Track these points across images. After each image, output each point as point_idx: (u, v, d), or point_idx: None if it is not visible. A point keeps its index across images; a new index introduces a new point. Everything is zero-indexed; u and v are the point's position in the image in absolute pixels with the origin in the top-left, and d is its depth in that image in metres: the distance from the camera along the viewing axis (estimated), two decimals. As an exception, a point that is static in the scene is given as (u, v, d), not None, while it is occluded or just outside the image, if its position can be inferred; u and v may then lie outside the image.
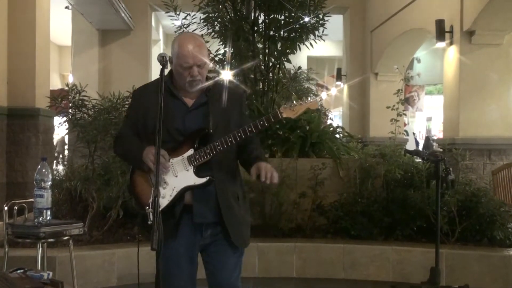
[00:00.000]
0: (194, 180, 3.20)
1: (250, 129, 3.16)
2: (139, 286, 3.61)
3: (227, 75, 8.01)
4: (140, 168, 3.27)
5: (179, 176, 3.21)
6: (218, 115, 3.28)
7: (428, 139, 18.69)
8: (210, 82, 3.34)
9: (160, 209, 2.99)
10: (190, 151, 3.21)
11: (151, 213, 2.86)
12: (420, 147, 18.83)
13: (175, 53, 3.24)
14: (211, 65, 3.56)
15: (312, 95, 17.55)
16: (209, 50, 4.70)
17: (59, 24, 14.67)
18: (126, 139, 3.39)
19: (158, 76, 3.12)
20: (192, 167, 3.20)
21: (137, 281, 3.69)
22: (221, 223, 3.27)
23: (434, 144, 17.15)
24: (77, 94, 6.95)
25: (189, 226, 3.28)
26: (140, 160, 3.21)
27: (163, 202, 3.15)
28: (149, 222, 2.84)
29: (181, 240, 3.29)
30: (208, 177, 3.20)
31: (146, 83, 3.55)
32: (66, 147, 14.47)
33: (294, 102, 3.27)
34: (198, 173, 3.21)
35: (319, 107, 15.70)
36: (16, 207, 4.99)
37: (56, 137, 13.20)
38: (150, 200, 2.90)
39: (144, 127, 3.28)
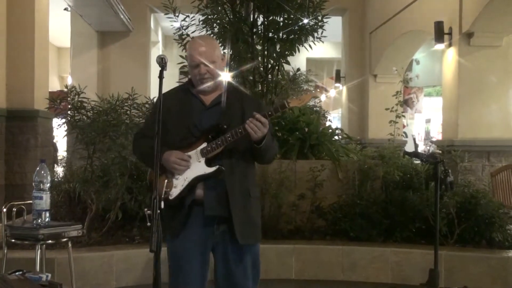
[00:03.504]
0: (204, 169, 3.32)
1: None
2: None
3: (226, 77, 7.99)
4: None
5: (192, 167, 3.34)
6: (233, 113, 3.42)
7: (414, 140, 18.67)
8: (225, 84, 3.53)
9: (171, 198, 3.27)
10: (204, 144, 3.34)
11: (149, 214, 2.90)
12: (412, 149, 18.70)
13: (187, 54, 3.51)
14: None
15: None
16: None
17: (58, 25, 14.64)
18: (144, 141, 3.49)
19: (182, 82, 3.29)
20: (204, 158, 3.33)
21: (135, 283, 3.71)
22: (230, 219, 3.33)
23: (421, 144, 17.06)
24: (76, 96, 6.94)
25: (200, 220, 3.36)
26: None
27: (175, 191, 3.32)
28: (148, 224, 2.87)
29: (192, 233, 3.37)
30: (217, 166, 3.31)
31: (170, 89, 3.67)
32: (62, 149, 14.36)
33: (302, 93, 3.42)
34: (209, 164, 3.33)
35: (316, 107, 15.72)
36: (14, 209, 4.99)
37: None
38: (163, 190, 3.18)
39: (164, 126, 3.34)
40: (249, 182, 3.46)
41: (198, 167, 3.33)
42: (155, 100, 3.72)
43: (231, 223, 3.33)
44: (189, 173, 3.33)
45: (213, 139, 3.32)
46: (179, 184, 3.32)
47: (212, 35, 8.56)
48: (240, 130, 3.25)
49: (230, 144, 3.30)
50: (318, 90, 4.38)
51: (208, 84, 3.42)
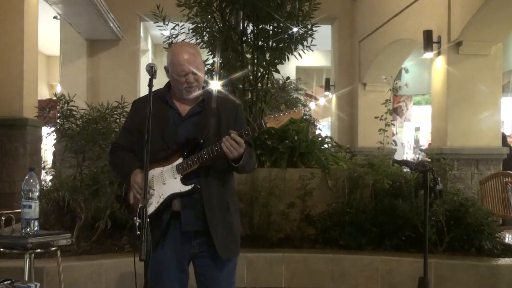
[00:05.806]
0: (180, 187, 3.25)
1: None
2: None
3: (216, 85, 8.00)
4: (128, 185, 3.36)
5: (167, 184, 3.27)
6: (210, 125, 3.34)
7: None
8: (203, 92, 3.42)
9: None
10: (180, 160, 3.27)
11: (139, 223, 2.89)
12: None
13: (170, 62, 3.33)
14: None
15: (300, 105, 17.57)
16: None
17: (47, 34, 14.63)
18: (119, 154, 3.48)
19: (159, 88, 3.27)
20: (180, 175, 3.26)
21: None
22: (209, 232, 3.30)
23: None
24: (65, 104, 6.93)
25: (178, 234, 3.33)
26: (128, 178, 3.32)
27: (150, 209, 3.21)
28: (137, 232, 2.87)
29: (170, 248, 3.34)
30: (193, 185, 3.24)
31: (146, 94, 3.59)
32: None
33: (281, 112, 3.30)
34: (185, 181, 3.26)
35: (306, 115, 15.75)
36: (3, 218, 4.96)
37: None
38: (138, 206, 2.99)
39: (141, 135, 3.29)
40: (227, 195, 3.42)
41: (173, 184, 3.27)
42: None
43: (209, 236, 3.29)
44: (164, 190, 3.27)
45: (188, 154, 3.26)
46: (154, 201, 3.27)
47: (201, 44, 8.56)
48: (216, 148, 3.18)
49: (206, 161, 3.23)
50: (296, 111, 4.43)
51: (195, 93, 3.35)
